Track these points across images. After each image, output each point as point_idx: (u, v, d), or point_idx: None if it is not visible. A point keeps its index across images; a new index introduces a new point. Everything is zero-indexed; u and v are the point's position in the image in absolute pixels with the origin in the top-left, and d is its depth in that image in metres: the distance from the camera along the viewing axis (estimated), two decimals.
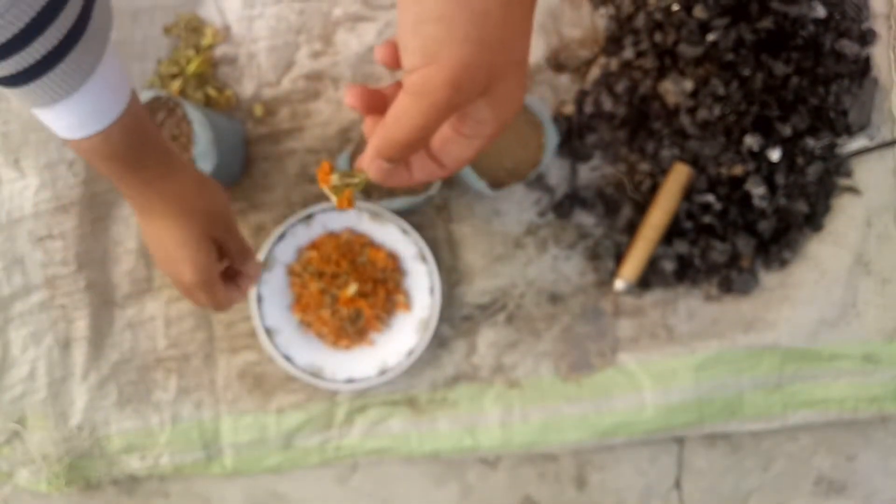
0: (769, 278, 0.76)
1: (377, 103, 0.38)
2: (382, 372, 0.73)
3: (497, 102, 0.33)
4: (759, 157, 0.74)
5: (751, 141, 0.73)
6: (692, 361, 0.75)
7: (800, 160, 0.74)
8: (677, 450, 0.78)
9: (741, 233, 0.75)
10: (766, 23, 0.72)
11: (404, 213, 0.75)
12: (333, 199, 0.38)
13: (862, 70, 0.75)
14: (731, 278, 0.75)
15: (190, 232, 0.54)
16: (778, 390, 0.76)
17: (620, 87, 0.75)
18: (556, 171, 0.76)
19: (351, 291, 0.73)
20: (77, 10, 0.40)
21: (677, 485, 0.78)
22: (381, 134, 0.33)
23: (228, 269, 0.60)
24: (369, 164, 0.36)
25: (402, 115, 0.32)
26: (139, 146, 0.50)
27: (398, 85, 0.37)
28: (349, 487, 0.78)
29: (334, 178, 0.38)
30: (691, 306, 0.76)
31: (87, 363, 0.75)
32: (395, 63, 0.36)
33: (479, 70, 0.31)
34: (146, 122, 0.51)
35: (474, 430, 0.76)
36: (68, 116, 0.45)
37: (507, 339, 0.77)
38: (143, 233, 0.57)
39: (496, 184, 0.70)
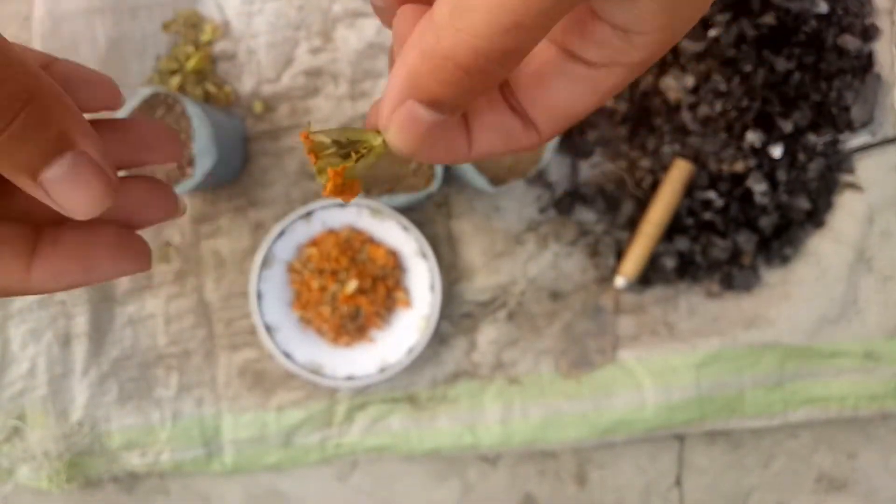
0: (770, 275, 0.76)
1: None
2: (383, 369, 0.73)
3: None
4: (760, 153, 0.74)
5: (752, 137, 0.73)
6: (693, 359, 0.75)
7: (801, 156, 0.74)
8: (678, 447, 0.78)
9: (742, 229, 0.74)
10: (769, 18, 0.72)
11: (404, 210, 0.74)
12: (320, 179, 0.23)
13: (864, 66, 0.75)
14: (733, 275, 0.75)
15: None
16: (779, 388, 0.75)
17: None
18: (556, 167, 0.76)
19: (351, 288, 0.73)
20: None
21: (678, 482, 0.78)
22: (424, 44, 0.18)
23: None
24: (393, 115, 0.19)
25: (476, 2, 0.17)
26: None
27: None
28: (349, 485, 0.78)
29: (320, 141, 0.23)
30: (692, 303, 0.76)
31: (88, 359, 0.75)
32: None
33: None
34: None
35: (474, 428, 0.76)
36: None
37: (508, 336, 0.76)
38: None
39: (497, 180, 0.70)
